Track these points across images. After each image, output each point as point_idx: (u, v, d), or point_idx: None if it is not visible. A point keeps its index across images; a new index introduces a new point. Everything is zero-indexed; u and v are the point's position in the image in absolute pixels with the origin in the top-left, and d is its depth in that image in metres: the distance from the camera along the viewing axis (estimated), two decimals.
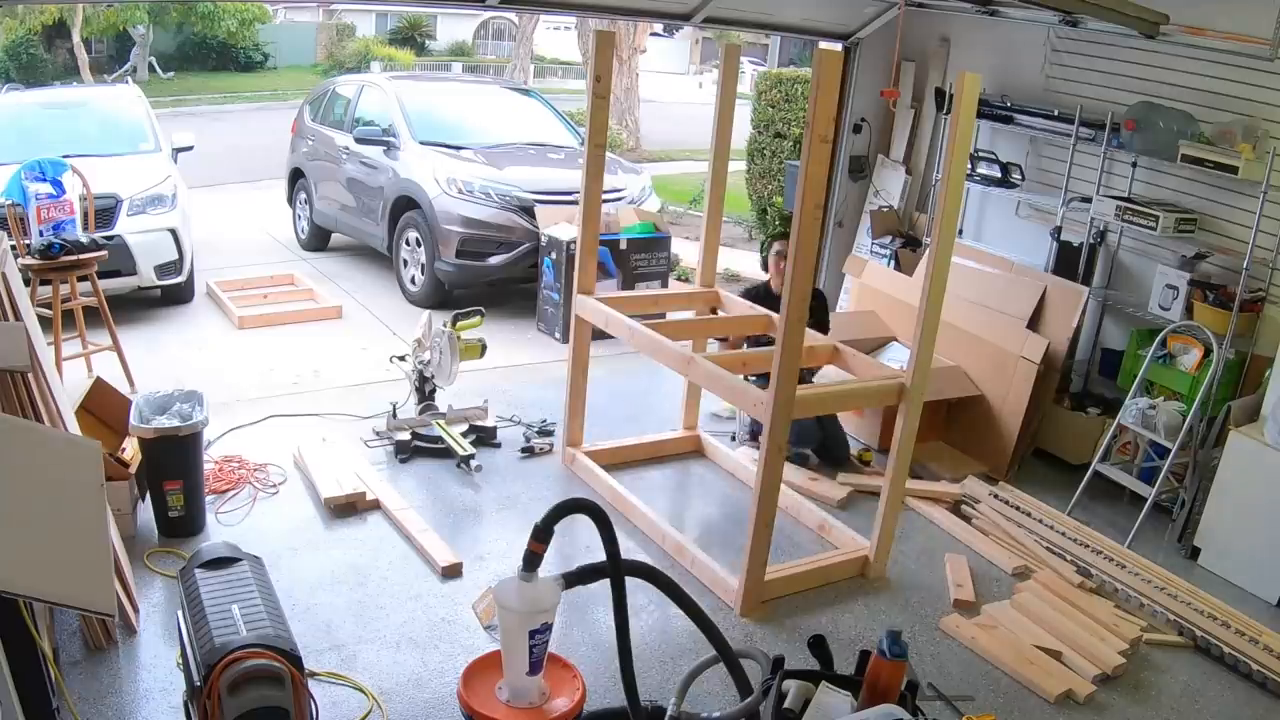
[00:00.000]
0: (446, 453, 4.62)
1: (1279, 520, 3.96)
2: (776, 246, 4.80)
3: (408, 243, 7.28)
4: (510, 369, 5.78)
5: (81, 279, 5.19)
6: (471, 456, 4.50)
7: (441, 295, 7.10)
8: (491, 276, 6.96)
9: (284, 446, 4.57)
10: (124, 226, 6.17)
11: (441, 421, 4.78)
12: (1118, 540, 4.27)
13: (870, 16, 5.96)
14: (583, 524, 2.80)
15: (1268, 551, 3.99)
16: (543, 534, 2.36)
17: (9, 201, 5.57)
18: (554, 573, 2.45)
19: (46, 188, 5.73)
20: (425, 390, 4.89)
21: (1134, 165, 4.88)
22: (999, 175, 5.54)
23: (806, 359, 3.85)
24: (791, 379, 3.30)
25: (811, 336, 4.48)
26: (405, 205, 7.25)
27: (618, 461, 4.67)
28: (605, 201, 7.10)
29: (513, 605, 2.37)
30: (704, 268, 4.62)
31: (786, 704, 2.09)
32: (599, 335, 4.40)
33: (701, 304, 4.60)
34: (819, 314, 4.66)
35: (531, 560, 2.37)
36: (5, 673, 2.10)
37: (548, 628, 2.40)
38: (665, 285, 6.86)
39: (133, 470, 3.80)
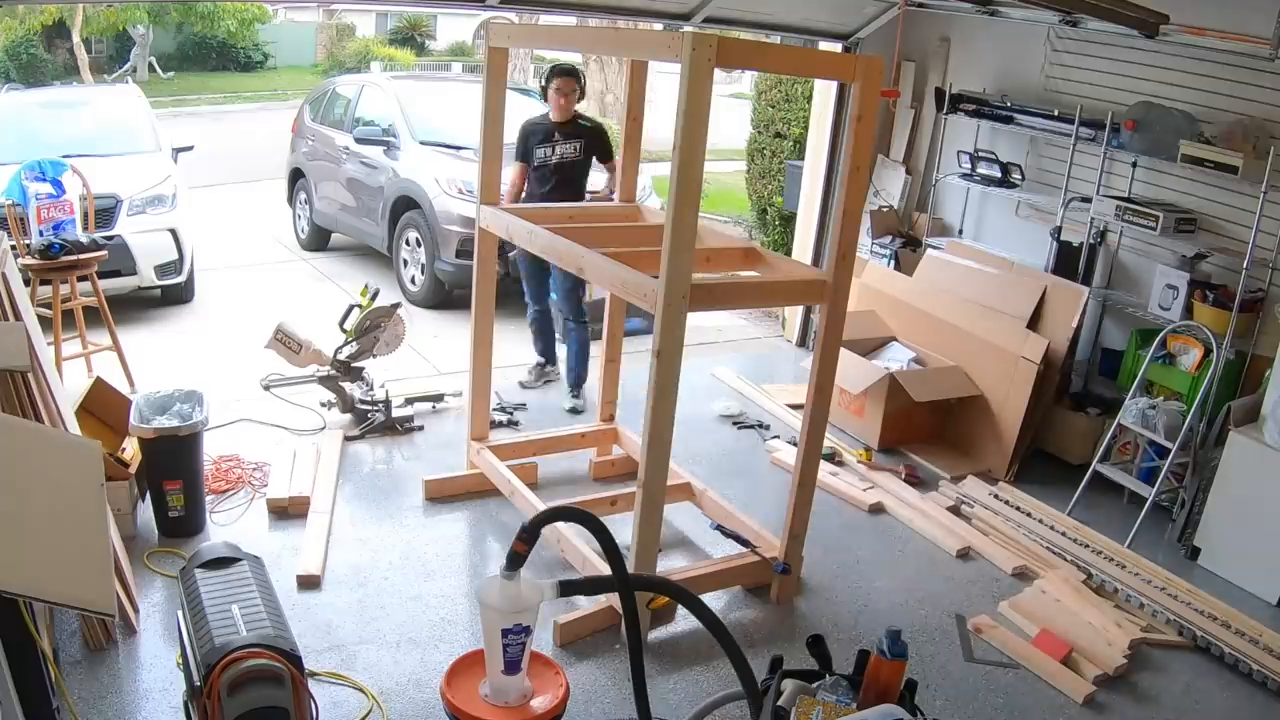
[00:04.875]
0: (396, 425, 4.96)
1: (1279, 520, 3.96)
2: (556, 83, 5.07)
3: (408, 243, 7.28)
4: (510, 369, 5.78)
5: (81, 279, 5.19)
6: (441, 396, 5.24)
7: (441, 295, 7.11)
8: None
9: (282, 446, 4.57)
10: (124, 226, 6.18)
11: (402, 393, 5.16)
12: (1118, 540, 4.27)
13: (870, 16, 5.96)
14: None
15: (1268, 551, 3.99)
16: (528, 535, 2.35)
17: (9, 201, 5.57)
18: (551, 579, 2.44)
19: (46, 188, 5.73)
20: (351, 380, 4.98)
21: (1134, 165, 4.88)
22: (999, 175, 5.54)
23: (714, 260, 3.78)
24: (683, 259, 2.93)
25: (721, 237, 4.38)
26: (405, 205, 7.25)
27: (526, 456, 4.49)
28: (605, 201, 7.16)
29: (491, 603, 2.37)
30: (624, 183, 4.48)
31: (780, 703, 2.09)
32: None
33: (621, 218, 4.40)
34: (602, 142, 5.25)
35: (514, 560, 2.36)
36: (5, 673, 2.10)
37: (524, 629, 2.39)
38: None
39: (133, 470, 3.80)
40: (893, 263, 6.00)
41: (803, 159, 6.89)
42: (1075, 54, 5.28)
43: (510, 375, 5.72)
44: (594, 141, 5.23)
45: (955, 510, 4.51)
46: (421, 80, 11.88)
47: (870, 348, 5.44)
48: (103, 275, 5.38)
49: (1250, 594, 4.01)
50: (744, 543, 3.77)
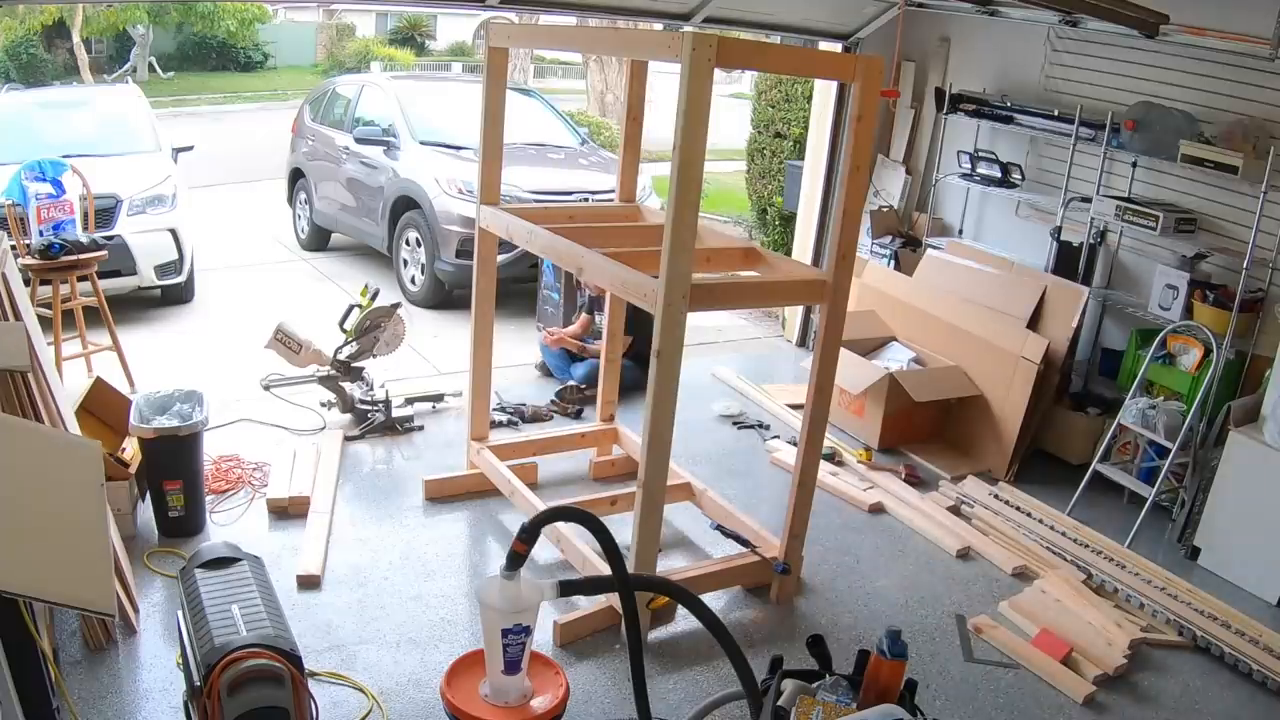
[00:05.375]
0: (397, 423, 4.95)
1: (1279, 520, 3.96)
2: None
3: (408, 243, 7.28)
4: (510, 369, 5.78)
5: (81, 279, 5.19)
6: (441, 396, 5.24)
7: (441, 295, 7.11)
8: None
9: (282, 446, 4.57)
10: (124, 226, 6.18)
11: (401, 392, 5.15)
12: (1118, 540, 4.27)
13: (870, 16, 5.96)
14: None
15: (1268, 551, 3.99)
16: (528, 535, 2.35)
17: (9, 201, 5.57)
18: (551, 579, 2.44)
19: (46, 188, 5.73)
20: (351, 380, 4.97)
21: (1134, 165, 4.88)
22: (999, 175, 5.54)
23: (714, 260, 3.77)
24: (683, 259, 2.93)
25: (721, 237, 4.42)
26: (405, 205, 7.25)
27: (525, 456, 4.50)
28: (604, 201, 7.17)
29: (491, 603, 2.38)
30: (623, 182, 4.44)
31: (780, 703, 2.09)
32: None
33: (621, 218, 4.37)
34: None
35: (514, 560, 2.37)
36: (5, 673, 2.10)
37: (524, 629, 2.40)
38: None
39: (133, 470, 3.80)
40: (893, 263, 6.00)
41: (803, 159, 6.89)
42: (1075, 54, 5.28)
43: (510, 375, 5.72)
44: None
45: (955, 510, 4.51)
46: (421, 80, 11.88)
47: (870, 348, 5.44)
48: (103, 275, 5.38)
49: (1250, 594, 4.01)
50: (744, 543, 3.78)
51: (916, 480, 4.80)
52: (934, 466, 4.95)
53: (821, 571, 3.94)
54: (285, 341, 4.79)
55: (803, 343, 6.80)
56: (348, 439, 4.78)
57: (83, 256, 5.11)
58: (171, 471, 3.73)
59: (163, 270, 6.43)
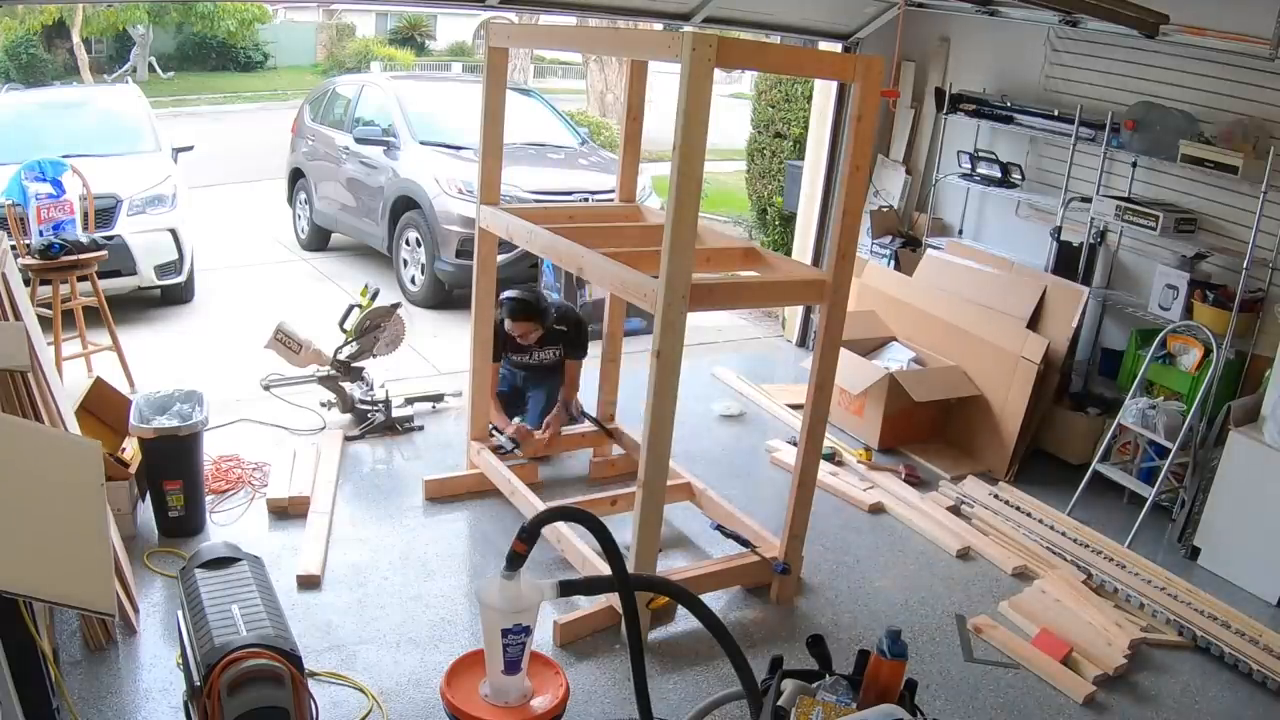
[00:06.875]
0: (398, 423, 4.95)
1: (1279, 520, 3.96)
2: (509, 325, 4.41)
3: (408, 243, 7.28)
4: None
5: (81, 279, 5.19)
6: (441, 396, 5.25)
7: (441, 295, 7.11)
8: None
9: (282, 446, 4.57)
10: (124, 226, 6.18)
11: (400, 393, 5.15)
12: (1118, 540, 4.27)
13: (870, 16, 5.96)
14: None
15: (1268, 551, 3.99)
16: (528, 535, 2.35)
17: (9, 201, 5.57)
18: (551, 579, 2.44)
19: (46, 188, 5.73)
20: (351, 380, 4.96)
21: (1134, 165, 4.88)
22: (999, 175, 5.54)
23: (714, 260, 3.78)
24: (683, 259, 2.91)
25: (721, 237, 4.42)
26: (405, 205, 7.25)
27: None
28: (604, 201, 7.18)
29: (491, 603, 2.38)
30: (623, 182, 4.41)
31: (780, 703, 2.09)
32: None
33: (621, 218, 4.32)
34: (575, 340, 4.63)
35: (514, 560, 2.37)
36: (5, 673, 2.10)
37: (524, 629, 2.40)
38: None
39: (133, 470, 3.80)
40: (893, 263, 6.00)
41: (803, 159, 6.89)
42: (1075, 54, 5.28)
43: None
44: (571, 339, 4.65)
45: (955, 510, 4.51)
46: (421, 80, 11.88)
47: (870, 348, 5.44)
48: (103, 275, 5.38)
49: (1250, 594, 4.02)
50: (744, 543, 3.77)
51: (916, 480, 4.80)
52: (934, 466, 4.95)
53: (821, 571, 3.94)
54: (285, 341, 4.79)
55: (803, 343, 6.80)
56: (348, 439, 4.78)
57: (83, 256, 5.11)
58: (171, 471, 3.73)
59: (163, 270, 6.43)
